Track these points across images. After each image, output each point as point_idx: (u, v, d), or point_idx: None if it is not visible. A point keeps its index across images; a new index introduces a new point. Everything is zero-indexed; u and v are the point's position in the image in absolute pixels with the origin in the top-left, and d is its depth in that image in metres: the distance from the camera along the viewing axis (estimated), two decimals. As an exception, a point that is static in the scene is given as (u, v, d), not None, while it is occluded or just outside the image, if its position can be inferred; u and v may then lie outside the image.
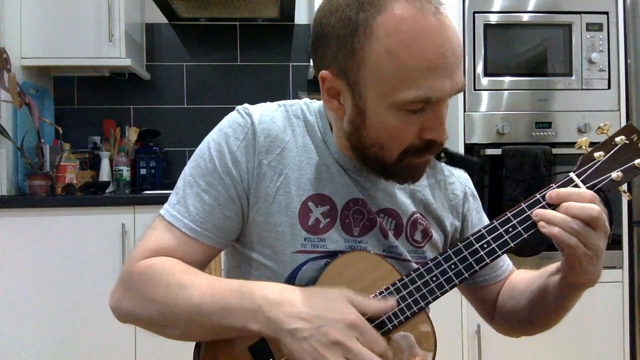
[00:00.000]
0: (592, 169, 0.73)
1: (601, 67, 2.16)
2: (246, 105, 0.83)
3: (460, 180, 0.92)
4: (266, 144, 0.79)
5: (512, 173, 2.05)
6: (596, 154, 0.73)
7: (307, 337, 0.64)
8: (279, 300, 0.67)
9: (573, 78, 2.17)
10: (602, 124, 0.74)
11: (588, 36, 2.16)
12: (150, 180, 2.55)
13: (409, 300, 0.72)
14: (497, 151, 2.09)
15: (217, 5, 2.47)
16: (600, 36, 2.16)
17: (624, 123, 2.15)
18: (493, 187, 2.11)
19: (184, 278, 0.73)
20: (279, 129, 0.81)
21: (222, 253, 0.89)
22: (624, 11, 2.18)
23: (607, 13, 2.17)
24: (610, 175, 0.72)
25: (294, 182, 0.79)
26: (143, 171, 2.56)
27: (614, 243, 2.15)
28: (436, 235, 0.88)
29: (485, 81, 2.16)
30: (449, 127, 2.22)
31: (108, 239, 2.04)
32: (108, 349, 2.02)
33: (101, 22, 2.34)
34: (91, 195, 2.24)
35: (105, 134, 2.61)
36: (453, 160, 0.84)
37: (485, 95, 2.15)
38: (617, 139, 0.73)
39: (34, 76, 2.45)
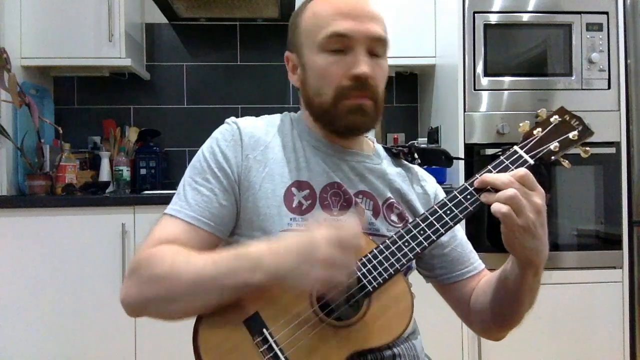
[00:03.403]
0: (532, 142, 0.85)
1: (601, 67, 2.16)
2: (233, 117, 0.97)
3: (431, 184, 1.04)
4: (251, 143, 0.92)
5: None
6: (535, 131, 0.86)
7: (304, 270, 0.73)
8: (272, 251, 0.76)
9: (573, 78, 2.17)
10: (538, 110, 0.89)
11: (588, 36, 2.16)
12: (150, 180, 2.55)
13: (386, 264, 0.80)
14: (497, 151, 2.09)
15: (217, 5, 2.47)
16: (600, 36, 2.16)
17: (624, 123, 2.15)
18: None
19: (186, 254, 0.81)
20: (262, 132, 0.95)
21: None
22: (624, 11, 2.17)
23: (607, 13, 2.17)
24: (549, 146, 0.84)
25: (277, 172, 0.91)
26: (143, 171, 2.56)
27: (614, 243, 2.15)
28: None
29: (485, 81, 2.16)
30: (449, 126, 2.23)
31: (108, 239, 2.04)
32: (108, 349, 2.02)
33: (101, 22, 2.34)
34: (91, 195, 2.24)
35: (105, 134, 2.61)
36: (422, 153, 1.03)
37: (485, 95, 2.15)
38: (552, 119, 0.87)
39: (34, 76, 2.45)
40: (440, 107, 2.44)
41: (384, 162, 1.00)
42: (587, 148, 0.88)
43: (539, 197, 0.77)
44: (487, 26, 2.16)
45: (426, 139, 2.50)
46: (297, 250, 0.74)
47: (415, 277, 1.02)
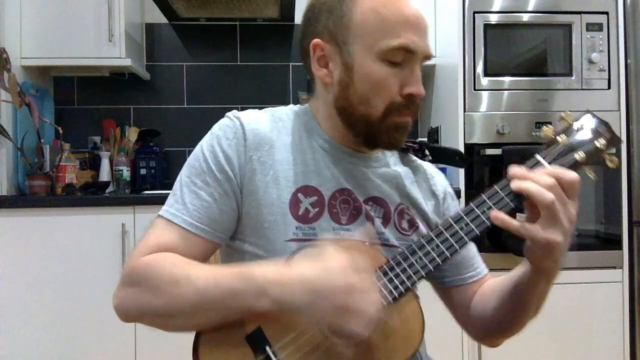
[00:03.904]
0: (556, 151, 0.77)
1: (601, 67, 2.16)
2: (234, 111, 0.89)
3: (440, 182, 0.98)
4: (255, 142, 0.85)
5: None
6: (559, 138, 0.77)
7: (316, 310, 0.68)
8: (280, 280, 0.70)
9: (573, 78, 2.17)
10: (563, 113, 0.79)
11: (588, 36, 2.16)
12: (150, 180, 2.55)
13: (396, 281, 0.75)
14: (497, 151, 2.09)
15: (217, 5, 2.47)
16: (600, 36, 2.17)
17: (624, 123, 2.15)
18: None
19: (186, 268, 0.76)
20: (266, 129, 0.87)
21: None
22: (624, 11, 2.18)
23: (607, 13, 2.17)
24: (574, 155, 0.77)
25: (283, 176, 0.84)
26: (143, 171, 2.55)
27: (614, 243, 2.15)
28: (422, 227, 0.92)
29: (485, 81, 2.16)
30: (449, 126, 2.22)
31: (108, 239, 2.04)
32: (108, 349, 2.02)
33: (101, 22, 2.34)
34: (91, 195, 2.24)
35: (105, 134, 2.61)
36: (435, 152, 0.98)
37: (485, 95, 2.15)
38: (577, 125, 0.79)
39: (34, 76, 2.45)
40: (440, 107, 2.44)
41: (391, 161, 0.95)
42: (615, 157, 0.80)
43: (574, 207, 0.72)
44: (487, 26, 2.16)
45: (426, 139, 2.50)
46: (312, 287, 0.68)
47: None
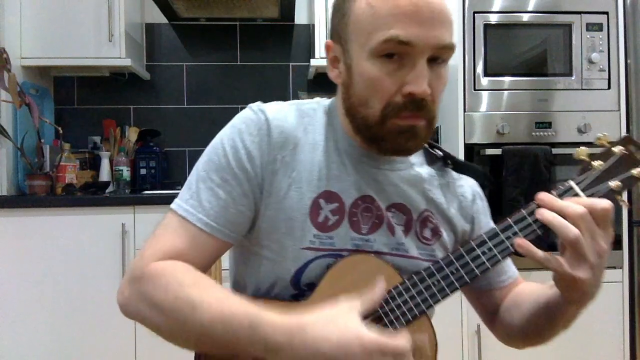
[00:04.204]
0: (591, 178, 0.73)
1: (601, 67, 2.16)
2: (258, 102, 0.83)
3: (468, 183, 0.92)
4: (280, 140, 0.80)
5: (512, 173, 2.05)
6: (595, 163, 0.73)
7: None
8: (291, 345, 0.65)
9: (573, 78, 2.17)
10: (600, 135, 0.75)
11: (588, 36, 2.16)
12: (150, 180, 2.55)
13: (411, 304, 0.72)
14: (497, 151, 2.09)
15: (217, 5, 2.47)
16: (600, 36, 2.16)
17: (624, 123, 2.15)
18: (491, 186, 2.11)
19: (193, 293, 0.70)
20: (292, 126, 0.81)
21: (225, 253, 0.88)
22: (624, 11, 2.17)
23: (607, 13, 2.17)
24: (609, 184, 0.73)
25: (305, 179, 0.80)
26: (143, 171, 2.55)
27: (614, 243, 2.15)
28: (446, 235, 0.87)
29: (485, 81, 2.16)
30: (449, 126, 2.22)
31: (108, 239, 2.04)
32: (108, 348, 2.02)
33: (101, 22, 2.34)
34: (91, 195, 2.24)
35: (105, 134, 2.61)
36: (459, 167, 0.90)
37: (485, 95, 2.15)
38: (616, 150, 0.74)
39: (34, 76, 2.45)
40: (440, 107, 2.44)
41: (417, 162, 0.88)
42: None
43: (605, 240, 0.67)
44: (487, 26, 2.16)
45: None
46: (328, 355, 0.63)
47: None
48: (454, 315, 2.05)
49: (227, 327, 0.67)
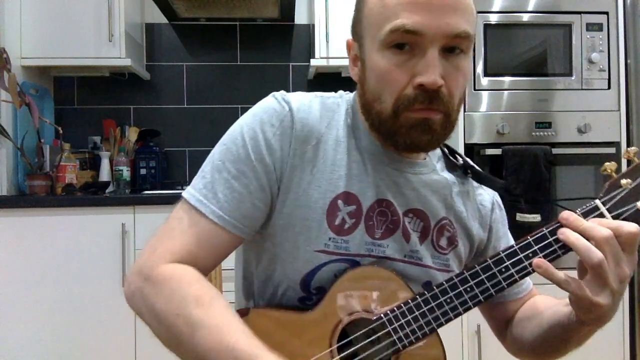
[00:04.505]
0: (618, 197, 0.68)
1: (601, 67, 2.16)
2: (282, 92, 0.80)
3: (488, 192, 0.90)
4: (303, 134, 0.76)
5: (512, 173, 2.05)
6: (623, 181, 0.69)
7: None
8: None
9: (573, 78, 2.17)
10: (630, 149, 0.69)
11: (588, 36, 2.16)
12: (150, 180, 2.55)
13: (422, 321, 0.70)
14: (497, 151, 2.09)
15: (217, 5, 2.47)
16: (600, 36, 2.17)
17: (624, 123, 2.15)
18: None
19: (195, 313, 0.67)
20: (316, 120, 0.78)
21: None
22: (624, 11, 2.18)
23: (607, 13, 2.17)
24: (638, 205, 0.67)
25: (326, 178, 0.76)
26: (143, 171, 2.55)
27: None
28: (462, 245, 0.85)
29: (485, 81, 2.16)
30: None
31: (108, 239, 2.04)
32: (108, 348, 2.02)
33: (101, 22, 2.34)
34: (91, 195, 2.24)
35: (105, 134, 2.61)
36: (478, 177, 0.87)
37: (485, 95, 2.15)
38: None
39: (34, 76, 2.45)
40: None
41: (438, 167, 0.85)
42: None
43: (629, 265, 0.64)
44: (487, 26, 2.16)
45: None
46: None
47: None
48: (454, 315, 2.05)
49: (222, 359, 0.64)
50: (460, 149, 2.12)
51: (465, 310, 0.70)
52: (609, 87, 2.17)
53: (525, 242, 0.69)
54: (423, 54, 0.69)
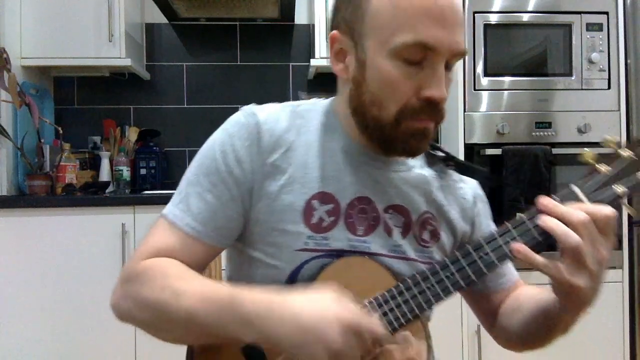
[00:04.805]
0: (596, 183, 0.70)
1: (601, 67, 2.16)
2: (251, 105, 0.82)
3: (470, 185, 0.91)
4: (271, 143, 0.79)
5: (512, 173, 2.05)
6: (601, 168, 0.70)
7: (307, 349, 0.63)
8: (270, 314, 0.65)
9: (573, 78, 2.17)
10: (608, 137, 0.71)
11: (588, 36, 2.16)
12: (150, 180, 2.55)
13: (404, 308, 0.71)
14: (497, 151, 2.09)
15: (217, 5, 2.47)
16: (600, 36, 2.16)
17: (624, 123, 2.15)
18: (493, 187, 2.11)
19: (178, 284, 0.72)
20: (284, 129, 0.80)
21: (223, 253, 0.88)
22: (624, 11, 2.17)
23: (607, 13, 2.17)
24: (615, 190, 0.69)
25: (298, 181, 0.78)
26: (143, 171, 2.56)
27: (614, 243, 2.15)
28: (445, 238, 0.87)
29: (485, 81, 2.16)
30: (449, 126, 2.21)
31: (108, 239, 2.04)
32: (108, 349, 2.02)
33: (101, 22, 2.34)
34: (91, 195, 2.24)
35: (105, 134, 2.61)
36: (461, 167, 0.88)
37: (485, 95, 2.15)
38: (625, 154, 0.71)
39: (34, 76, 2.45)
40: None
41: (417, 164, 0.87)
42: None
43: (606, 248, 0.66)
44: (487, 26, 2.16)
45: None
46: (306, 326, 0.63)
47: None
48: (454, 316, 2.05)
49: (209, 308, 0.68)
50: (460, 149, 2.13)
51: (447, 295, 0.71)
52: (609, 87, 2.17)
53: (504, 229, 0.70)
54: (432, 68, 0.71)
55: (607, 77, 2.17)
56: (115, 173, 2.45)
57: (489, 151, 2.10)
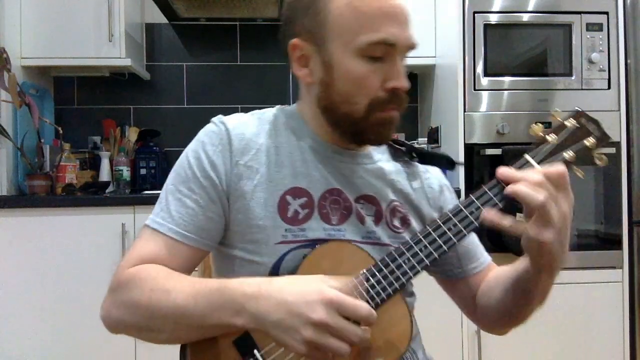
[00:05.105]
0: (546, 151, 0.77)
1: (601, 67, 2.16)
2: (220, 116, 0.89)
3: (435, 175, 0.97)
4: (241, 147, 0.84)
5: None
6: (549, 137, 0.77)
7: (291, 325, 0.66)
8: (257, 294, 0.69)
9: (573, 78, 2.17)
10: (552, 111, 0.79)
11: (588, 36, 2.16)
12: (150, 180, 2.55)
13: (384, 283, 0.74)
14: (497, 151, 2.09)
15: (217, 5, 2.47)
16: (600, 36, 2.16)
17: (624, 123, 2.15)
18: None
19: (167, 282, 0.75)
20: (253, 133, 0.86)
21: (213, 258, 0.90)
22: (624, 11, 2.17)
23: (607, 13, 2.17)
24: (564, 156, 0.76)
25: (271, 179, 0.83)
26: (143, 171, 2.56)
27: (614, 243, 2.15)
28: (415, 224, 0.91)
29: (485, 81, 2.16)
30: (449, 126, 2.22)
31: (108, 239, 2.04)
32: (108, 349, 2.02)
33: (101, 22, 2.34)
34: (91, 195, 2.24)
35: (105, 134, 2.61)
36: (423, 156, 0.95)
37: (485, 95, 2.15)
38: (568, 123, 0.78)
39: (34, 76, 2.45)
40: (440, 107, 2.44)
41: (383, 158, 0.93)
42: (604, 156, 0.78)
43: (566, 203, 0.70)
44: (487, 26, 2.16)
45: (426, 138, 2.50)
46: (291, 302, 0.66)
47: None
48: (454, 316, 2.05)
49: (199, 299, 0.71)
50: (460, 149, 2.13)
51: (423, 268, 0.75)
52: (609, 87, 2.17)
53: (469, 201, 0.76)
54: (393, 62, 0.80)
55: (607, 77, 2.17)
56: (115, 173, 2.45)
57: (489, 151, 2.10)
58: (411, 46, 0.81)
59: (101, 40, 2.34)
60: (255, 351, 0.73)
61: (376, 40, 0.77)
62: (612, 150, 2.14)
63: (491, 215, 0.72)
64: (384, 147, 0.95)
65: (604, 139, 0.78)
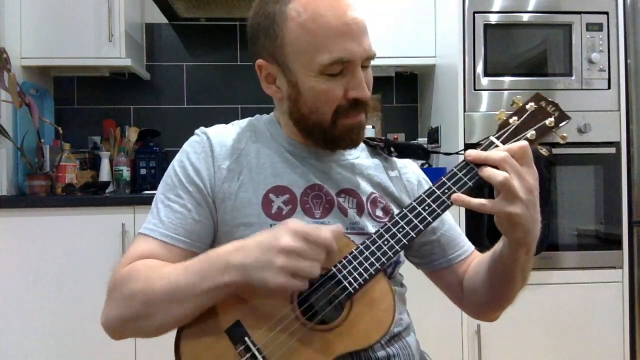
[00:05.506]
0: (508, 131, 0.83)
1: (601, 67, 2.16)
2: (202, 127, 0.95)
3: (412, 170, 1.03)
4: (222, 152, 0.90)
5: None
6: (511, 120, 0.84)
7: (265, 260, 0.70)
8: (238, 247, 0.74)
9: (573, 78, 2.17)
10: (514, 98, 0.86)
11: (588, 36, 2.16)
12: (150, 180, 2.55)
13: (366, 264, 0.78)
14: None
15: (217, 5, 2.47)
16: (600, 36, 2.16)
17: (624, 123, 2.15)
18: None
19: (162, 269, 0.80)
20: (234, 140, 0.93)
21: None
22: (624, 11, 2.17)
23: (607, 13, 2.17)
24: (526, 134, 0.82)
25: (253, 180, 0.89)
26: (143, 171, 2.56)
27: (614, 243, 2.15)
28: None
29: (485, 81, 2.16)
30: (449, 126, 2.22)
31: (108, 239, 2.04)
32: (108, 349, 2.01)
33: (101, 22, 2.34)
34: (91, 195, 2.24)
35: (105, 134, 2.61)
36: (400, 148, 1.00)
37: (485, 95, 2.15)
38: (528, 106, 0.85)
39: (34, 76, 2.45)
40: (440, 107, 2.44)
41: (361, 155, 0.99)
42: (564, 134, 0.86)
43: (531, 176, 0.75)
44: (487, 26, 2.16)
45: (426, 138, 2.50)
46: (262, 240, 0.73)
47: (411, 269, 1.02)
48: (454, 315, 2.04)
49: (188, 269, 0.76)
50: (461, 149, 2.12)
51: (402, 247, 0.79)
52: (609, 87, 2.17)
53: (441, 183, 0.81)
54: (353, 73, 0.85)
55: (607, 77, 2.17)
56: (115, 173, 2.45)
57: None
58: (370, 57, 0.86)
59: (101, 40, 2.34)
60: (246, 338, 0.75)
61: (329, 62, 0.82)
62: (612, 150, 2.14)
63: (461, 197, 0.77)
64: (362, 146, 0.99)
65: (562, 118, 0.86)
